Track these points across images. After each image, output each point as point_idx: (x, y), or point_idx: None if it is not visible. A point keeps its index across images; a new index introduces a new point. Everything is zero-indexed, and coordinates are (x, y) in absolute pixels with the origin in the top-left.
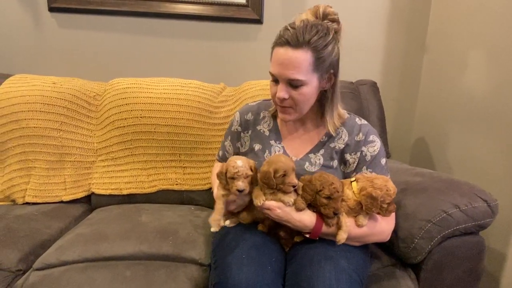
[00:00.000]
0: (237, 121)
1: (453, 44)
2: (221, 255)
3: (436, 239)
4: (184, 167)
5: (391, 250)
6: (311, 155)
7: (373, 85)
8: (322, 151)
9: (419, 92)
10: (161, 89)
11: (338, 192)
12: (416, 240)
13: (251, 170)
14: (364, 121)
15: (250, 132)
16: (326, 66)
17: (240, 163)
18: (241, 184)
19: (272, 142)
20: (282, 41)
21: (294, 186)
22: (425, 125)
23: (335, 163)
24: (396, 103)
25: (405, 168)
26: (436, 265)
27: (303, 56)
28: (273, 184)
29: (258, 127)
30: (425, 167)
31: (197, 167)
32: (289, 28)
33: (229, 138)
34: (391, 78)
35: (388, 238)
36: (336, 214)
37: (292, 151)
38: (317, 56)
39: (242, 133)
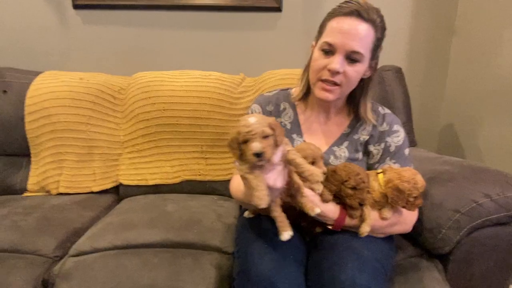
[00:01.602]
0: (258, 113)
1: (485, 25)
2: (244, 245)
3: (465, 229)
4: (206, 158)
5: (417, 241)
6: (335, 148)
7: (398, 71)
8: (346, 144)
9: (447, 77)
10: (182, 81)
11: (364, 182)
12: (444, 230)
13: (271, 128)
14: (387, 110)
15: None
16: (377, 53)
17: (253, 120)
18: (257, 144)
19: (294, 136)
20: (349, 11)
21: (324, 174)
22: (454, 112)
23: (360, 155)
24: (422, 89)
25: (432, 157)
26: (465, 257)
27: (369, 32)
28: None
29: (279, 120)
30: (454, 155)
31: (218, 158)
32: (353, 1)
33: None
34: (417, 63)
35: (411, 229)
36: (361, 205)
37: (318, 145)
38: (378, 37)
39: None
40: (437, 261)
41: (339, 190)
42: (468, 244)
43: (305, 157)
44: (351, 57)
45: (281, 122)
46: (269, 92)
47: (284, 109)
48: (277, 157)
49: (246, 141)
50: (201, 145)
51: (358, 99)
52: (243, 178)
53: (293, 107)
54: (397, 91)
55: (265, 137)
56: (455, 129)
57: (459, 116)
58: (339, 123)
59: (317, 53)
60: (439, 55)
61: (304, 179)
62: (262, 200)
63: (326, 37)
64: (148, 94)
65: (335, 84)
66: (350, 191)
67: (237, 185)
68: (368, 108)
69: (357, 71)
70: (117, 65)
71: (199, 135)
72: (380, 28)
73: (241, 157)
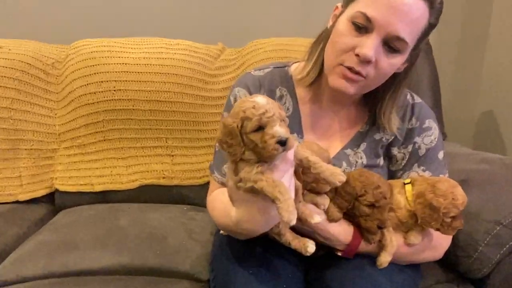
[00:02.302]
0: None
1: None
2: (222, 269)
3: (508, 246)
4: (172, 156)
5: (447, 262)
6: (349, 152)
7: (425, 42)
8: (363, 146)
9: (486, 52)
10: (140, 52)
11: (385, 198)
12: (481, 248)
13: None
14: (417, 99)
15: None
16: (421, 43)
17: (263, 100)
18: (280, 129)
19: (294, 135)
20: None
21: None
22: (495, 96)
23: (381, 160)
24: (455, 67)
25: (466, 153)
26: (507, 281)
27: (424, 14)
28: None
29: None
30: (493, 151)
31: (189, 154)
32: None
33: None
34: (448, 34)
35: (442, 255)
36: (380, 228)
37: (323, 146)
38: (431, 24)
39: None
40: (473, 287)
41: (352, 207)
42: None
43: None
44: (391, 45)
45: None
46: (259, 69)
47: (281, 96)
48: (291, 153)
49: (258, 128)
50: (166, 138)
51: (382, 97)
52: (246, 190)
53: (293, 94)
54: (423, 69)
55: (282, 121)
56: (495, 118)
57: (501, 101)
58: (355, 118)
59: (344, 25)
60: (476, 23)
61: (322, 181)
62: (292, 212)
63: (365, 6)
64: (93, 69)
65: (360, 74)
66: (366, 210)
67: (223, 208)
68: (393, 113)
69: (392, 65)
70: (52, 31)
71: (163, 124)
72: (436, 12)
73: (246, 154)
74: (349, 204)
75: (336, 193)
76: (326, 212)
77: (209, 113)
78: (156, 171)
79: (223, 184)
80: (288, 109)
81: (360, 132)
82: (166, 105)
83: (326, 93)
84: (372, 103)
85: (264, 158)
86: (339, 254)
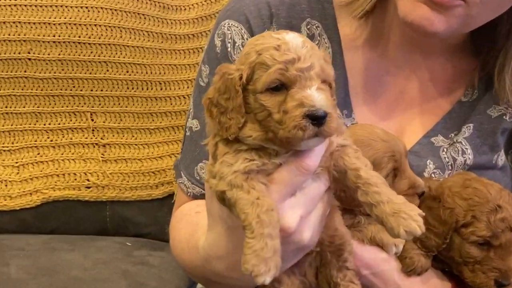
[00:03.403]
0: (242, 44)
1: None
2: None
3: None
4: (104, 145)
5: None
6: (439, 140)
7: None
8: (468, 130)
9: None
10: None
11: (511, 229)
12: None
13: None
14: None
15: None
16: None
17: (295, 39)
18: (319, 95)
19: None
20: None
21: (421, 195)
22: None
23: (501, 157)
24: None
25: None
26: None
27: None
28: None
29: None
30: None
31: (135, 144)
32: None
33: None
34: None
35: None
36: (502, 286)
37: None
38: None
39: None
40: None
41: (449, 246)
42: None
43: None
44: None
45: None
46: None
47: (311, 37)
48: (326, 148)
49: (278, 87)
50: (91, 113)
51: (503, 43)
52: (218, 198)
53: (333, 33)
54: None
55: (324, 82)
56: None
57: None
58: (451, 78)
59: None
60: None
61: (377, 219)
62: (264, 261)
63: None
64: None
65: None
66: (475, 251)
67: (189, 233)
68: None
69: None
70: None
71: (86, 87)
72: None
73: (246, 129)
74: (444, 241)
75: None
76: (401, 258)
77: (173, 65)
78: (74, 174)
79: (200, 197)
80: None
81: (461, 104)
82: (90, 53)
83: (394, 31)
84: (483, 53)
85: (276, 143)
86: None
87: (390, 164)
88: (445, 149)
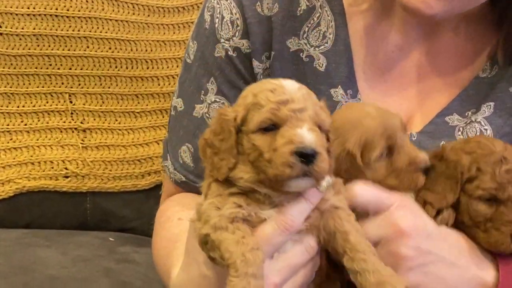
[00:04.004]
0: (230, 20)
1: None
2: None
3: None
4: (84, 130)
5: None
6: (455, 119)
7: None
8: (488, 108)
9: None
10: None
11: None
12: None
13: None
14: None
15: (272, 58)
16: None
17: (291, 84)
18: (308, 133)
19: (333, 90)
20: None
21: (426, 170)
22: None
23: None
24: None
25: None
26: None
27: None
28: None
29: (296, 44)
30: None
31: (118, 128)
32: None
33: (212, 81)
34: None
35: None
36: None
37: (394, 109)
38: None
39: (252, 61)
40: None
41: (457, 205)
42: None
43: (367, 143)
44: None
45: (303, 49)
46: None
47: (312, 8)
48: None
49: (270, 127)
50: (69, 93)
51: None
52: (200, 241)
53: (338, 2)
54: None
55: (319, 128)
56: None
57: None
58: (468, 50)
59: None
60: None
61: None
62: None
63: None
64: None
65: None
66: (483, 208)
67: (164, 247)
68: None
69: None
70: None
71: (64, 65)
72: None
73: (237, 171)
74: (454, 196)
75: (428, 181)
76: None
77: (156, 46)
78: (51, 162)
79: (182, 185)
80: (324, 36)
81: (479, 80)
82: (69, 45)
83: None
84: (506, 24)
85: (266, 185)
86: None
87: (382, 141)
88: (461, 129)
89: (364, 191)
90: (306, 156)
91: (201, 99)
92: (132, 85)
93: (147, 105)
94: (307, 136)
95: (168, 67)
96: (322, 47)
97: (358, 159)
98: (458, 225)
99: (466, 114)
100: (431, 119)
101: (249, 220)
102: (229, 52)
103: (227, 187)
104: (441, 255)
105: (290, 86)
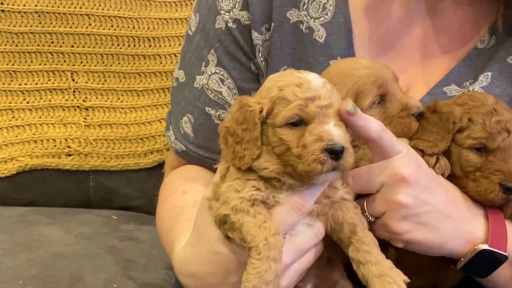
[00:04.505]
0: None
1: None
2: None
3: None
4: (87, 109)
5: None
6: (450, 89)
7: None
8: (486, 78)
9: None
10: None
11: (509, 131)
12: None
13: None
14: None
15: (272, 29)
16: None
17: (316, 79)
18: (336, 131)
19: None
20: None
21: (419, 116)
22: None
23: None
24: None
25: None
26: None
27: None
28: None
29: (295, 15)
30: None
31: (121, 107)
32: None
33: (213, 53)
34: None
35: None
36: (510, 190)
37: None
38: None
39: (251, 33)
40: None
41: (448, 156)
42: None
43: (360, 91)
44: None
45: (303, 21)
46: None
47: None
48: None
49: (297, 122)
50: (71, 72)
51: None
52: (217, 220)
53: None
54: None
55: (340, 118)
56: None
57: None
58: (467, 21)
59: None
60: None
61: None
62: (265, 283)
63: None
64: None
65: None
66: (473, 157)
67: (168, 219)
68: None
69: None
70: None
71: (66, 43)
72: None
73: (261, 161)
74: (445, 144)
75: (421, 131)
76: None
77: (159, 24)
78: (54, 140)
79: (182, 155)
80: (324, 8)
81: (477, 50)
82: (70, 22)
83: None
84: None
85: (293, 177)
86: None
87: (374, 90)
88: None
89: (384, 129)
90: (335, 152)
91: (202, 70)
92: (134, 63)
93: (149, 83)
94: (335, 132)
95: (170, 45)
96: (322, 18)
97: None
98: (448, 177)
99: (464, 84)
100: (429, 89)
101: (266, 203)
102: (229, 24)
103: (246, 173)
104: (438, 206)
105: (316, 81)
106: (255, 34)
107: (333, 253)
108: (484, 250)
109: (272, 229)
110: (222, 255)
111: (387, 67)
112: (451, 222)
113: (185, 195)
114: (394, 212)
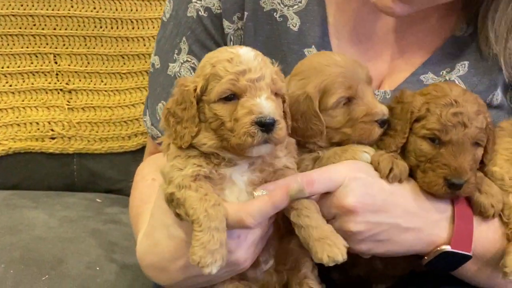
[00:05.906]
0: None
1: None
2: None
3: None
4: (70, 91)
5: None
6: (427, 78)
7: None
8: (463, 67)
9: None
10: None
11: (465, 126)
12: None
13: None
14: None
15: (246, 18)
16: None
17: (247, 52)
18: (267, 103)
19: (312, 50)
20: None
21: (383, 123)
22: None
23: (496, 96)
24: None
25: None
26: None
27: None
28: (322, 127)
29: (269, 3)
30: None
31: (104, 89)
32: None
33: (184, 41)
34: None
35: None
36: (454, 186)
37: (369, 68)
38: None
39: (222, 22)
40: None
41: (405, 144)
42: None
43: (326, 89)
44: None
45: (275, 9)
46: None
47: None
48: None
49: (230, 97)
50: (54, 55)
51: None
52: (167, 200)
53: None
54: None
55: (276, 95)
56: None
57: None
58: (442, 14)
59: None
60: None
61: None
62: (211, 252)
63: None
64: None
65: None
66: (425, 147)
67: (136, 213)
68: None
69: None
70: None
71: (51, 41)
72: None
73: (200, 137)
74: (403, 136)
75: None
76: (375, 165)
77: (142, 6)
78: (37, 124)
79: (154, 139)
80: None
81: (454, 38)
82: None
83: None
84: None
85: (229, 151)
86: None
87: (341, 90)
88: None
89: (307, 176)
90: (266, 125)
91: (174, 58)
92: (117, 46)
93: (133, 66)
94: (266, 105)
95: (154, 27)
96: (296, 6)
97: (315, 103)
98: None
99: (441, 73)
100: (406, 77)
101: (211, 177)
102: (200, 12)
103: (185, 150)
104: (395, 222)
105: (247, 55)
106: (226, 23)
107: (290, 225)
108: (446, 252)
109: (212, 201)
110: (178, 239)
111: (362, 67)
112: (411, 232)
113: (154, 183)
114: (351, 238)
